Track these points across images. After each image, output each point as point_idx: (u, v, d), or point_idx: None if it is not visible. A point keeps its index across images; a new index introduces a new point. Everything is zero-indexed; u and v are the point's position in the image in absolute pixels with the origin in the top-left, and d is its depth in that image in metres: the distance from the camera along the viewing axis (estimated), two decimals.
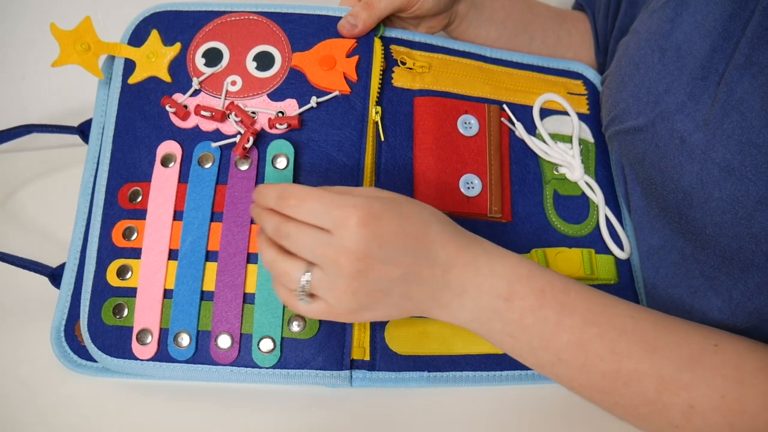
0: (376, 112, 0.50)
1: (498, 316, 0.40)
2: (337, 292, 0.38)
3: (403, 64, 0.53)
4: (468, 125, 0.52)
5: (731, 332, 0.41)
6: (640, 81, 0.47)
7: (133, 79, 0.51)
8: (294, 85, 0.50)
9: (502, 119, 0.54)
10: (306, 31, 0.52)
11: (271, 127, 0.49)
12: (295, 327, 0.45)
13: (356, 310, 0.39)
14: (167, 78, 0.50)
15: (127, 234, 0.47)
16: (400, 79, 0.53)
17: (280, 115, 0.49)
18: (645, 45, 0.48)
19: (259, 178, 0.48)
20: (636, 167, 0.48)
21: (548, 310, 0.39)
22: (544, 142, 0.54)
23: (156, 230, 0.47)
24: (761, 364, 0.38)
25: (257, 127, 0.49)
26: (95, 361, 0.47)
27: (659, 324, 0.40)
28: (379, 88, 0.51)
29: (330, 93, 0.50)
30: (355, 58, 0.51)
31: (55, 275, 0.50)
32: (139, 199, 0.48)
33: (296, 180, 0.48)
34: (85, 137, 0.54)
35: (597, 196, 0.53)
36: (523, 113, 0.55)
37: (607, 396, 0.40)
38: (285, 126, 0.48)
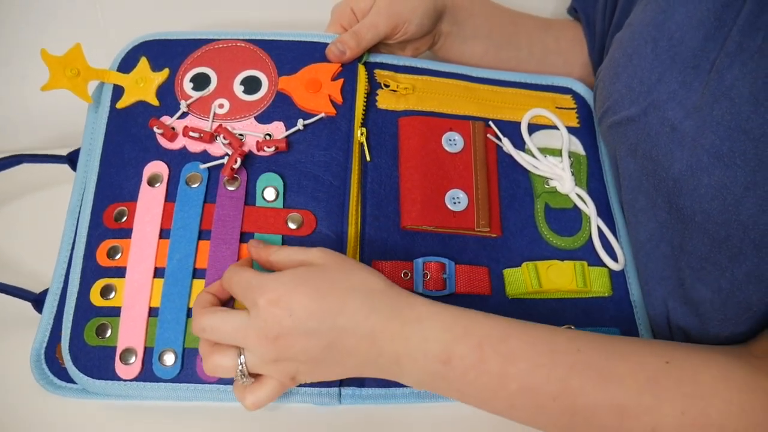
0: (361, 134, 0.52)
1: (440, 377, 0.39)
2: (270, 365, 0.39)
3: (387, 86, 0.55)
4: (452, 142, 0.53)
5: (719, 329, 0.42)
6: (633, 71, 0.48)
7: (121, 104, 0.52)
8: (281, 107, 0.51)
9: (489, 135, 0.55)
10: (291, 56, 0.53)
11: (258, 150, 0.49)
12: None
13: (296, 375, 0.40)
14: (155, 102, 0.51)
15: (111, 253, 0.47)
16: (384, 101, 0.54)
17: (268, 137, 0.50)
18: (638, 36, 0.48)
19: (248, 198, 0.48)
20: (627, 159, 0.49)
21: (489, 363, 0.38)
22: (534, 156, 0.54)
23: (142, 248, 0.46)
24: (717, 373, 0.38)
25: (245, 148, 0.49)
26: (75, 382, 0.45)
27: (610, 352, 0.39)
28: (363, 110, 0.52)
29: (316, 115, 0.51)
30: (340, 81, 0.52)
31: (38, 301, 0.49)
32: (125, 218, 0.48)
33: (285, 201, 0.48)
34: (74, 165, 0.54)
35: (589, 208, 0.53)
36: (511, 129, 0.55)
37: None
38: (273, 149, 0.49)
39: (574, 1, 0.64)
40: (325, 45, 0.53)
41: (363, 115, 0.52)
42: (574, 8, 0.64)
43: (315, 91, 0.52)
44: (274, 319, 0.38)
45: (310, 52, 0.53)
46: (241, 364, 0.39)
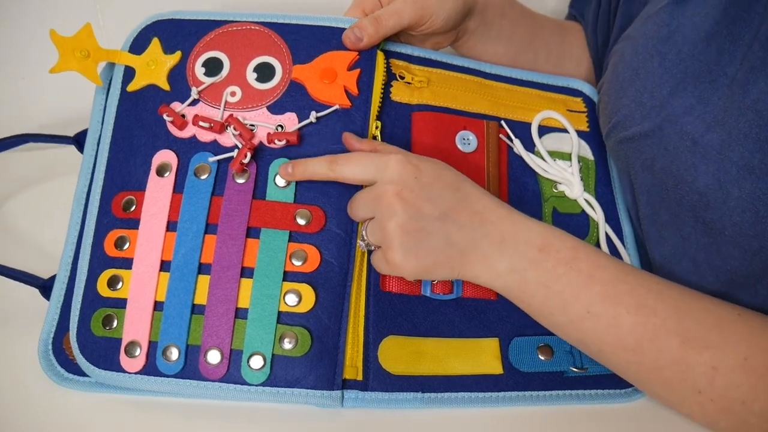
0: (376, 127, 0.50)
1: (534, 265, 0.42)
2: (385, 232, 0.42)
3: (402, 78, 0.53)
4: (466, 141, 0.52)
5: None
6: (641, 86, 0.47)
7: (131, 87, 0.50)
8: (294, 97, 0.50)
9: (501, 135, 0.53)
10: (308, 42, 0.51)
11: (269, 142, 0.48)
12: (287, 344, 0.44)
13: (403, 253, 0.41)
14: (166, 86, 0.50)
15: (119, 243, 0.46)
16: (398, 93, 0.52)
17: (280, 128, 0.48)
18: (642, 50, 0.48)
19: (257, 192, 0.47)
20: (644, 174, 0.48)
21: (581, 263, 0.42)
22: (543, 159, 0.53)
23: (149, 240, 0.46)
24: None
25: (255, 140, 0.48)
26: (82, 375, 0.46)
27: (685, 291, 0.42)
28: (379, 102, 0.50)
29: (330, 107, 0.49)
30: (357, 71, 0.50)
31: (46, 287, 0.49)
32: (133, 208, 0.47)
33: (296, 191, 0.47)
34: (81, 147, 0.53)
35: (597, 214, 0.53)
36: (522, 130, 0.55)
37: (633, 354, 0.40)
38: (284, 142, 0.47)
39: (571, 7, 0.65)
40: (344, 31, 0.51)
41: (378, 108, 0.50)
42: (572, 15, 0.65)
43: (330, 82, 0.49)
44: (400, 173, 0.42)
45: (327, 38, 0.51)
46: (363, 231, 0.44)
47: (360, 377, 0.45)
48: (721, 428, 0.40)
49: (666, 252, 0.48)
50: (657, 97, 0.46)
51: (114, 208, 0.47)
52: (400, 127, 0.51)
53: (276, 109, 0.49)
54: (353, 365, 0.45)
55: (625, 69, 0.49)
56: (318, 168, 0.45)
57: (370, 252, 0.46)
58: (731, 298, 0.43)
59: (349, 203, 0.46)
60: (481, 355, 0.47)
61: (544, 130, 0.56)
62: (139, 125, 0.49)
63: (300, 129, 0.49)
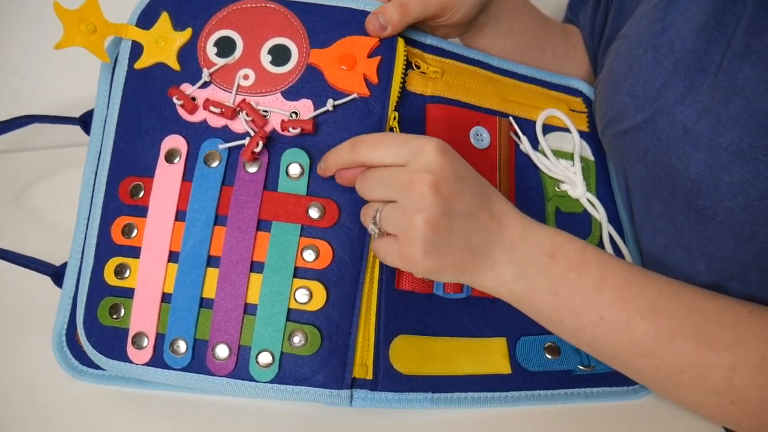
0: (394, 118, 0.48)
1: (542, 271, 0.41)
2: (409, 224, 0.38)
3: (418, 68, 0.51)
4: (480, 138, 0.51)
5: None
6: (634, 80, 0.48)
7: (139, 64, 0.48)
8: (310, 83, 0.47)
9: (510, 132, 0.53)
10: (326, 24, 0.48)
11: (283, 130, 0.46)
12: (296, 342, 0.43)
13: (425, 251, 0.38)
14: (176, 66, 0.47)
15: (126, 231, 0.45)
16: (413, 83, 0.50)
17: (294, 116, 0.46)
18: (636, 46, 0.48)
19: (269, 183, 0.45)
20: (638, 167, 0.48)
21: (590, 266, 0.41)
22: (546, 157, 0.53)
23: (157, 230, 0.45)
24: None
25: (269, 128, 0.46)
26: (96, 367, 0.45)
27: (696, 291, 0.41)
28: (398, 92, 0.48)
29: (348, 95, 0.47)
30: (377, 59, 0.47)
31: (57, 274, 0.48)
32: (141, 194, 0.45)
33: (309, 182, 0.45)
34: (87, 128, 0.51)
35: (599, 213, 0.53)
36: (526, 127, 0.54)
37: (649, 360, 0.40)
38: (298, 130, 0.45)
39: (569, 11, 0.65)
40: (364, 14, 0.48)
41: (397, 98, 0.48)
42: (569, 19, 0.65)
43: (349, 68, 0.47)
44: (438, 162, 0.38)
45: (347, 20, 0.48)
46: (377, 210, 0.40)
47: (370, 376, 0.45)
48: (743, 429, 0.40)
49: (659, 242, 0.48)
50: (650, 89, 0.46)
51: (121, 194, 0.46)
52: (414, 119, 0.49)
53: (291, 95, 0.47)
54: (363, 364, 0.45)
55: (620, 65, 0.50)
56: (340, 155, 0.42)
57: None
58: (722, 287, 0.44)
59: (361, 176, 0.41)
60: (490, 355, 0.47)
61: (546, 128, 0.55)
62: (147, 106, 0.47)
63: (315, 117, 0.46)
